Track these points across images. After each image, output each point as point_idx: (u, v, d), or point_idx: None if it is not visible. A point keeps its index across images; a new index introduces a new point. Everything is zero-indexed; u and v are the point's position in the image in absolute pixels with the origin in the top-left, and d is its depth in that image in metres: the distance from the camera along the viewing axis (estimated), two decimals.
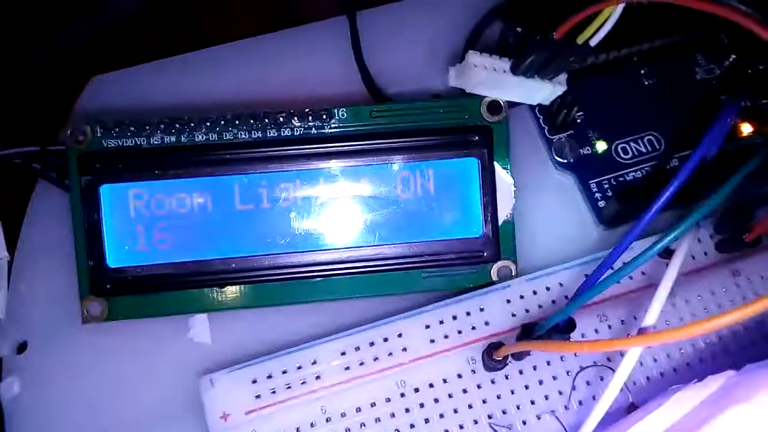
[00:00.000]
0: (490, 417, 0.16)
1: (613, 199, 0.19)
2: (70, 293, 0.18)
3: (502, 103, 0.18)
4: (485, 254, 0.18)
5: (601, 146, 0.20)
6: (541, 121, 0.20)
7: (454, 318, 0.17)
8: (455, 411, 0.16)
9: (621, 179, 0.20)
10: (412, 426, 0.16)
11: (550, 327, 0.15)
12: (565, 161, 0.20)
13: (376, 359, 0.17)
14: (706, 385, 0.13)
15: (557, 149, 0.20)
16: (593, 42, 0.17)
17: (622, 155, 0.20)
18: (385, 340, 0.17)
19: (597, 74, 0.20)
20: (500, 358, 0.15)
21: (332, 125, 0.18)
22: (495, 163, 0.18)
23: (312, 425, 0.16)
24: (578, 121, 0.20)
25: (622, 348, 0.13)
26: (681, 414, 0.12)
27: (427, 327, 0.17)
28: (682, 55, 0.21)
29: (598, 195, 0.20)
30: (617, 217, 0.19)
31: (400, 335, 0.17)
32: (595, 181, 0.20)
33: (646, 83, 0.21)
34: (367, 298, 0.18)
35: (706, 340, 0.17)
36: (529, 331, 0.15)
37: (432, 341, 0.17)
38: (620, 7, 0.16)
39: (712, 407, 0.12)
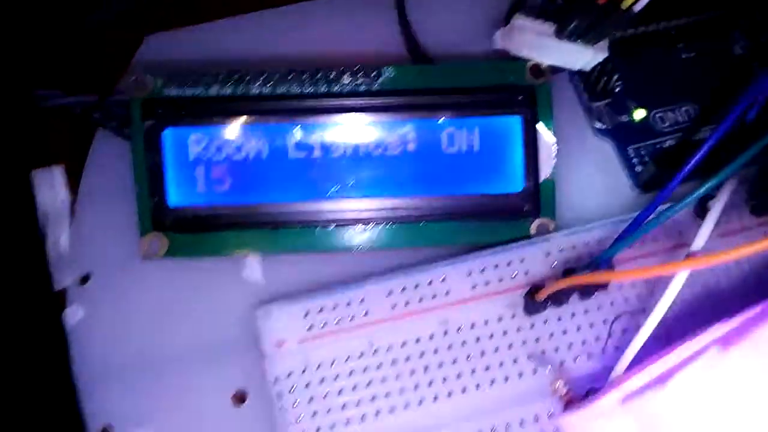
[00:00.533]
0: (528, 357, 0.17)
1: (650, 163, 0.20)
2: (129, 231, 0.19)
3: (544, 67, 0.19)
4: (525, 209, 0.19)
5: (639, 114, 0.21)
6: (581, 88, 0.21)
7: (496, 267, 0.18)
8: (495, 350, 0.17)
9: (658, 146, 0.21)
10: (454, 362, 0.17)
11: (590, 270, 0.16)
12: (604, 127, 0.21)
13: (420, 300, 0.18)
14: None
15: (597, 116, 0.21)
16: (637, 8, 0.17)
17: (660, 124, 0.21)
18: (429, 283, 0.18)
19: (637, 46, 0.21)
20: (541, 300, 0.16)
21: (380, 83, 0.19)
22: (539, 122, 0.19)
23: (360, 356, 0.17)
24: (617, 90, 0.21)
25: (668, 272, 0.14)
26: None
27: (469, 274, 0.18)
28: (718, 30, 0.22)
29: (635, 160, 0.20)
30: (653, 181, 0.20)
31: (443, 279, 0.18)
32: (632, 147, 0.21)
33: (684, 56, 0.21)
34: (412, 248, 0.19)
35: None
36: (570, 273, 0.16)
37: (474, 287, 0.18)
38: None
39: None
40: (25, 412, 0.18)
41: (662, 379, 0.12)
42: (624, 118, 0.21)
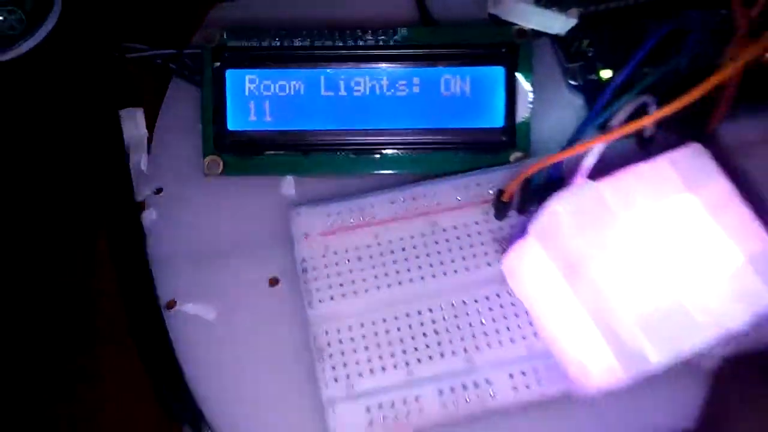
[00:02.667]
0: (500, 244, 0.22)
1: None
2: (194, 155, 0.25)
3: (527, 30, 0.24)
4: (504, 140, 0.24)
5: (605, 74, 0.25)
6: (560, 52, 0.26)
7: (477, 185, 0.23)
8: (471, 245, 0.22)
9: None
10: (439, 252, 0.22)
11: (541, 181, 0.20)
12: (576, 84, 0.25)
13: (416, 207, 0.23)
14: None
15: (571, 74, 0.25)
16: None
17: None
18: (424, 195, 0.23)
19: (605, 20, 0.26)
20: (506, 201, 0.21)
21: (395, 39, 0.24)
22: (517, 73, 0.24)
23: (367, 246, 0.22)
24: (589, 54, 0.25)
25: (586, 148, 0.18)
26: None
27: (456, 189, 0.23)
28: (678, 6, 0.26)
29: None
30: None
31: (435, 193, 0.23)
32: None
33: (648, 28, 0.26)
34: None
35: None
36: (528, 182, 0.21)
37: (458, 199, 0.23)
38: None
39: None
40: (120, 283, 0.24)
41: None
42: (593, 77, 0.25)
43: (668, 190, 0.16)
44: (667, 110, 0.16)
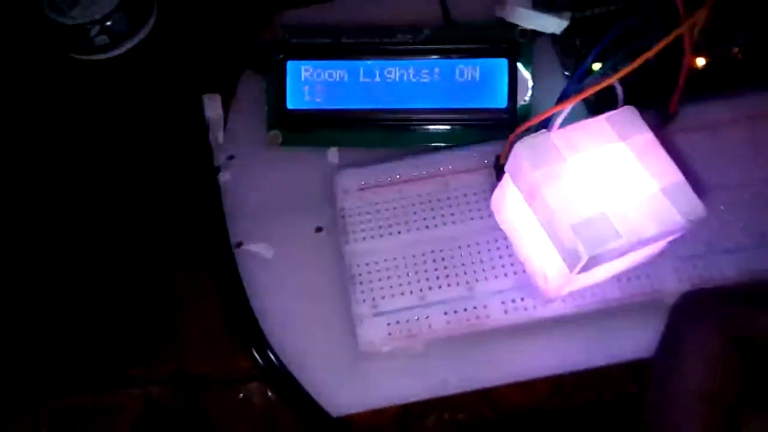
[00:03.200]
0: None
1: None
2: (260, 131, 0.31)
3: (528, 29, 0.30)
4: (506, 118, 0.29)
5: (595, 66, 0.30)
6: (558, 48, 0.31)
7: (483, 154, 0.28)
8: (476, 201, 0.28)
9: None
10: (450, 206, 0.28)
11: None
12: (570, 74, 0.31)
13: (433, 171, 0.28)
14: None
15: (566, 67, 0.31)
16: None
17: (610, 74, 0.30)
18: (440, 161, 0.28)
19: (594, 22, 0.31)
20: (502, 163, 0.26)
21: (421, 37, 0.30)
22: (518, 64, 0.29)
23: (393, 200, 0.28)
24: (583, 51, 0.31)
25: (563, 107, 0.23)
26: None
27: (466, 157, 0.29)
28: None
29: (591, 98, 0.30)
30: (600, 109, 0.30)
31: (448, 160, 0.29)
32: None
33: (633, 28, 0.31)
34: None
35: None
36: None
37: (467, 165, 0.28)
38: None
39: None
40: (200, 226, 0.30)
41: None
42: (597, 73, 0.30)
43: (604, 139, 0.21)
44: (620, 74, 0.21)
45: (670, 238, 0.20)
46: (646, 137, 0.21)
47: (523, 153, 0.21)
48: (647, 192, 0.20)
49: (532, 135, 0.21)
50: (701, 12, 0.24)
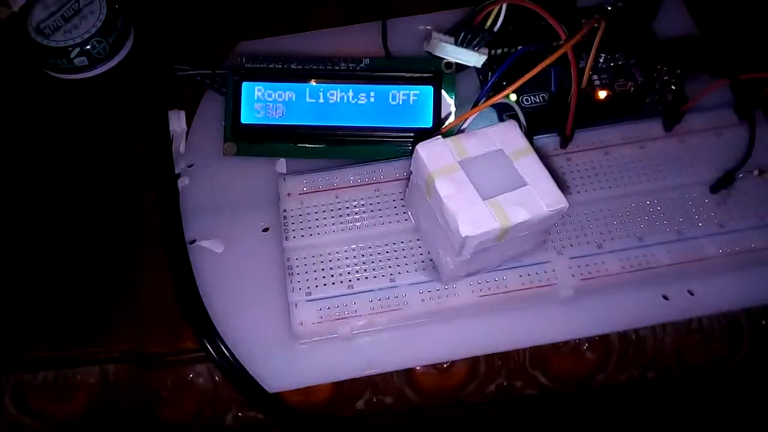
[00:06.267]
0: None
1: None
2: (217, 143, 0.35)
3: (452, 62, 0.34)
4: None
5: (512, 97, 0.35)
6: (479, 78, 0.36)
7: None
8: (402, 206, 0.32)
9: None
10: (380, 209, 0.32)
11: None
12: None
13: (367, 179, 0.32)
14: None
15: (487, 96, 0.35)
16: (495, 28, 0.33)
17: (524, 102, 0.35)
18: (373, 171, 0.33)
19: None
20: None
21: (361, 66, 0.34)
22: (443, 91, 0.34)
23: (331, 203, 0.32)
24: (504, 83, 0.35)
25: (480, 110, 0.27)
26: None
27: (395, 168, 0.33)
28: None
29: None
30: None
31: (380, 170, 0.33)
32: (506, 114, 0.35)
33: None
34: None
35: None
36: None
37: (396, 174, 0.33)
38: (504, 6, 0.32)
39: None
40: (161, 224, 0.34)
41: None
42: (504, 100, 0.35)
43: (488, 145, 0.26)
44: (504, 92, 0.26)
45: (540, 225, 0.25)
46: (522, 145, 0.25)
47: (422, 153, 0.25)
48: (519, 187, 0.24)
49: (430, 139, 0.26)
50: (578, 35, 0.29)
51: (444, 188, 0.24)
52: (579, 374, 0.31)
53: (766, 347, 0.31)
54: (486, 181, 0.25)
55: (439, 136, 0.26)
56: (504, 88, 0.31)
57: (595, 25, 0.31)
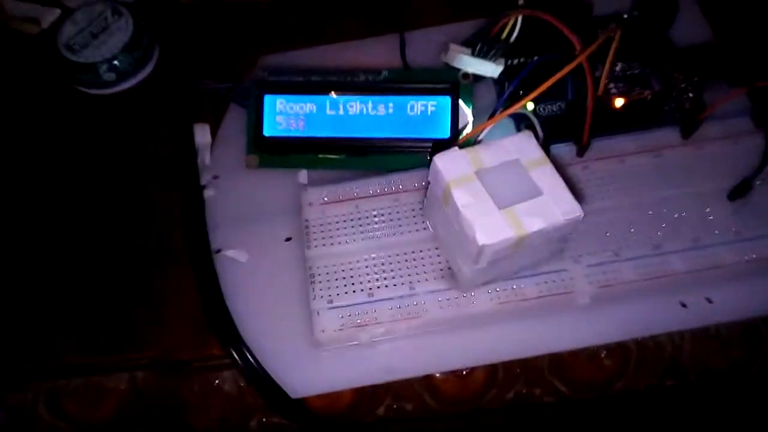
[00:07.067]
0: None
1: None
2: (241, 155, 0.36)
3: (469, 73, 0.35)
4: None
5: (529, 106, 0.36)
6: (496, 89, 0.36)
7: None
8: (422, 215, 0.32)
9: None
10: (399, 219, 0.32)
11: None
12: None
13: (386, 189, 0.33)
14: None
15: (504, 106, 0.36)
16: (511, 38, 0.33)
17: (542, 112, 0.36)
18: (392, 181, 0.33)
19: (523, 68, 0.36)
20: None
21: (381, 77, 0.35)
22: (460, 101, 0.35)
23: (350, 212, 0.33)
24: (521, 93, 0.36)
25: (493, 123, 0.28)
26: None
27: (414, 178, 0.33)
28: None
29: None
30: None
31: (400, 180, 0.33)
32: (523, 124, 0.35)
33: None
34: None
35: None
36: None
37: (415, 184, 0.33)
38: (519, 17, 0.32)
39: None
40: (186, 234, 0.35)
41: None
42: (521, 110, 0.36)
43: (504, 156, 0.26)
44: (520, 103, 0.27)
45: (555, 234, 0.25)
46: (538, 155, 0.26)
47: (440, 164, 0.26)
48: (535, 197, 0.25)
49: (447, 150, 0.26)
50: (593, 45, 0.29)
51: (461, 198, 0.25)
52: (597, 381, 0.32)
53: None
54: (502, 190, 0.25)
55: (456, 147, 0.26)
56: (521, 98, 0.31)
57: (611, 35, 0.32)
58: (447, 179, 0.25)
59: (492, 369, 0.31)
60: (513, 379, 0.32)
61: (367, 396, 0.32)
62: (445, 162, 0.26)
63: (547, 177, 0.25)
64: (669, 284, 0.30)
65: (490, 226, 0.24)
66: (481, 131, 0.30)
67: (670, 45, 0.37)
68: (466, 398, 0.32)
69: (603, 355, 0.31)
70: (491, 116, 0.31)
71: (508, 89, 0.31)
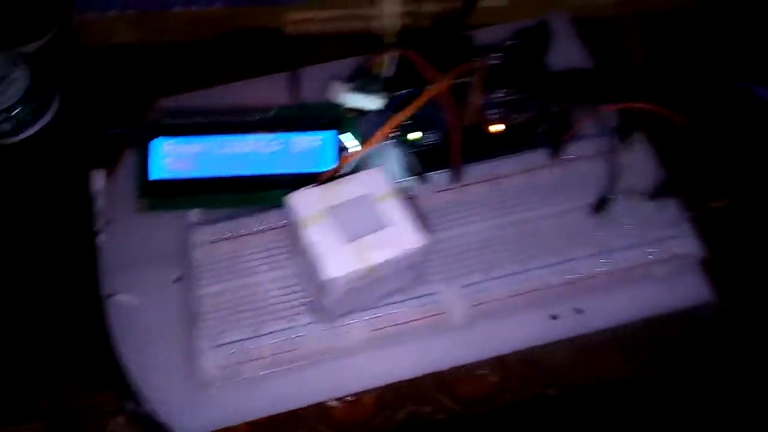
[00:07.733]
0: None
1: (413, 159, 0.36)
2: (134, 197, 0.37)
3: (353, 108, 0.36)
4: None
5: (411, 135, 0.37)
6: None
7: None
8: None
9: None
10: (283, 254, 0.33)
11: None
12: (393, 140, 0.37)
13: (274, 224, 0.34)
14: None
15: (391, 137, 0.37)
16: (383, 74, 0.35)
17: (424, 141, 0.37)
18: (279, 218, 0.34)
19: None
20: None
21: (270, 115, 0.36)
22: (347, 134, 0.36)
23: (235, 251, 0.34)
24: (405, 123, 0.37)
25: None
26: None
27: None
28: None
29: (406, 158, 0.37)
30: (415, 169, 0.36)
31: (285, 216, 0.34)
32: (411, 150, 0.37)
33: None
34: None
35: None
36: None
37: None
38: (395, 54, 0.34)
39: None
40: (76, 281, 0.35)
41: None
42: (408, 137, 0.37)
43: (355, 191, 0.27)
44: (373, 139, 0.29)
45: (405, 262, 0.26)
46: (386, 190, 0.27)
47: (292, 202, 0.27)
48: (382, 229, 0.26)
49: (301, 189, 0.27)
50: (448, 77, 0.31)
51: (312, 235, 0.26)
52: (485, 395, 0.33)
53: (661, 360, 0.33)
54: (351, 225, 0.26)
55: (312, 186, 0.27)
56: (408, 128, 0.33)
57: (472, 68, 0.33)
58: (298, 217, 0.26)
59: (379, 392, 0.32)
60: (401, 400, 0.32)
61: (264, 428, 0.32)
62: (298, 200, 0.27)
63: (394, 209, 0.27)
64: (539, 298, 0.32)
65: (337, 260, 0.25)
66: (344, 165, 0.31)
67: (544, 72, 0.39)
68: (360, 422, 0.33)
69: (486, 371, 0.32)
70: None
71: (377, 124, 0.33)
